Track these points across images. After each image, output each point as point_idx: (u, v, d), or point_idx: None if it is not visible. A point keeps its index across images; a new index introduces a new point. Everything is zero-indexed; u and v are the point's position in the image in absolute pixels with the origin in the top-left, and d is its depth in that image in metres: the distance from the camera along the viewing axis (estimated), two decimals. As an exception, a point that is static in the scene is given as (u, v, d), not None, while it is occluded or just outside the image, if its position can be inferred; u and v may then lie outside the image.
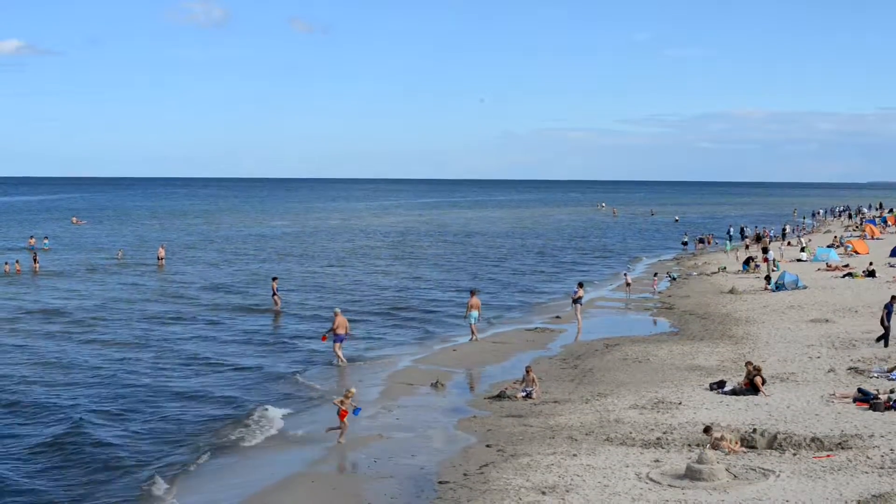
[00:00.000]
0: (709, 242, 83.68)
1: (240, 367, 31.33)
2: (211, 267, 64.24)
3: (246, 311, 43.90)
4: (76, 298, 47.41)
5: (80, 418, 24.36)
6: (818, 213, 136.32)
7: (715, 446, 19.96)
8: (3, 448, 22.10)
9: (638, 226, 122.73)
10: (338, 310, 32.68)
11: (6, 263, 59.24)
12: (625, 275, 53.89)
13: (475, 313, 36.40)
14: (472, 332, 36.31)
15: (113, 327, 39.01)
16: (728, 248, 72.90)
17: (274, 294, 44.15)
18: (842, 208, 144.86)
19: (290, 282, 54.22)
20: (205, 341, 36.09)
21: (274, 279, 45.79)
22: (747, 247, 74.22)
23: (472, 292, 37.53)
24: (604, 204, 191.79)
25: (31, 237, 78.48)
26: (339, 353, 31.77)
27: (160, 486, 19.61)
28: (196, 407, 25.98)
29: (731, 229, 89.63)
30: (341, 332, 31.76)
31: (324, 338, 32.37)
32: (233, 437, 23.10)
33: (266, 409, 25.71)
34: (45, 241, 76.62)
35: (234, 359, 32.69)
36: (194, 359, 32.75)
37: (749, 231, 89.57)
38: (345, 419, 22.10)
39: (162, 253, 65.55)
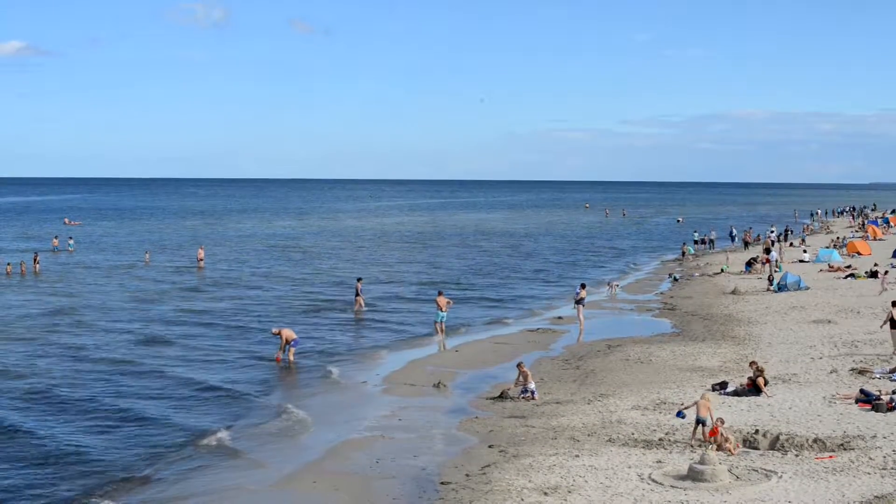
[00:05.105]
0: (757, 239, 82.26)
1: (266, 364, 31.82)
2: (251, 267, 64.19)
3: (326, 312, 43.98)
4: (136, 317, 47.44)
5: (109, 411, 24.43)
6: (817, 213, 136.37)
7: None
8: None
9: (633, 227, 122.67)
10: (275, 329, 33.19)
11: (8, 264, 59.17)
12: (617, 281, 54.02)
13: (442, 313, 38.05)
14: (437, 332, 37.71)
15: (187, 330, 38.96)
16: (691, 251, 75.06)
17: (357, 295, 44.18)
18: (849, 209, 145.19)
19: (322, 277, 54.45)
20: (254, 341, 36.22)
21: (359, 280, 45.95)
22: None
23: (440, 292, 39.75)
24: (588, 204, 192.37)
25: (55, 237, 78.36)
26: (291, 358, 32.02)
27: (160, 484, 19.67)
28: (204, 406, 26.06)
29: (733, 230, 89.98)
30: (292, 338, 32.25)
31: (278, 359, 32.06)
32: (235, 437, 23.13)
33: (269, 409, 25.76)
34: (70, 242, 75.84)
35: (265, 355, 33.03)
36: (237, 353, 33.51)
37: (734, 232, 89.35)
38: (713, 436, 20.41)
39: (201, 254, 64.92)
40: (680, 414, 22.34)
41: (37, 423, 24.21)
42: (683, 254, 73.42)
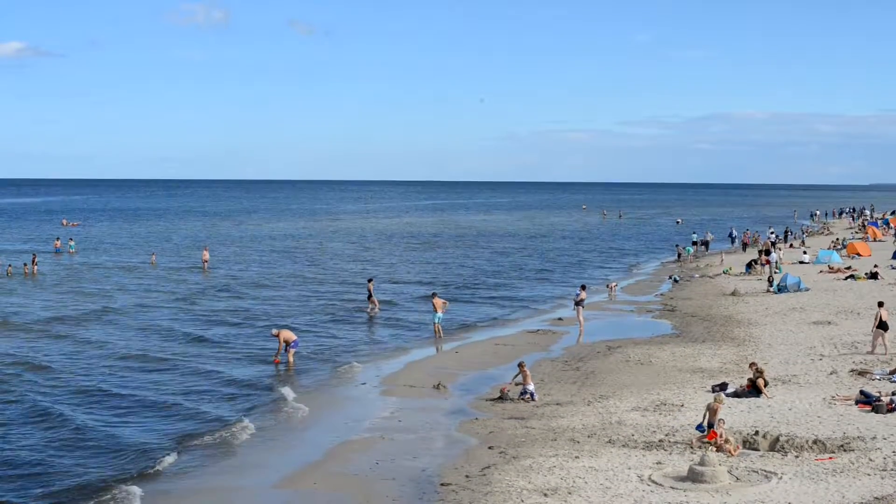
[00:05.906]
0: (757, 241, 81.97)
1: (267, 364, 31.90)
2: (255, 267, 64.04)
3: (326, 313, 43.77)
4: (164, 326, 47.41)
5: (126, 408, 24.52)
6: (816, 214, 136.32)
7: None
8: None
9: (633, 229, 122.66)
10: (275, 330, 32.86)
11: (10, 265, 59.08)
12: (616, 282, 53.89)
13: (439, 314, 38.00)
14: (437, 333, 37.62)
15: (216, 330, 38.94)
16: (689, 251, 75.89)
17: (370, 296, 44.00)
18: (848, 210, 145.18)
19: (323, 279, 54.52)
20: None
21: (370, 280, 45.71)
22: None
23: (434, 294, 39.97)
24: (585, 206, 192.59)
25: (57, 239, 78.39)
26: (290, 359, 31.83)
27: (160, 482, 19.70)
28: (204, 406, 26.06)
29: (734, 231, 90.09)
30: (292, 339, 32.08)
31: (276, 361, 31.88)
32: (234, 437, 23.14)
33: (269, 410, 25.78)
34: (71, 244, 75.66)
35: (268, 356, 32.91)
36: (251, 356, 33.37)
37: (734, 233, 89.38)
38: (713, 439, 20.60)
39: (206, 256, 64.68)
40: (699, 427, 21.37)
41: (48, 413, 24.36)
42: (679, 255, 73.44)
